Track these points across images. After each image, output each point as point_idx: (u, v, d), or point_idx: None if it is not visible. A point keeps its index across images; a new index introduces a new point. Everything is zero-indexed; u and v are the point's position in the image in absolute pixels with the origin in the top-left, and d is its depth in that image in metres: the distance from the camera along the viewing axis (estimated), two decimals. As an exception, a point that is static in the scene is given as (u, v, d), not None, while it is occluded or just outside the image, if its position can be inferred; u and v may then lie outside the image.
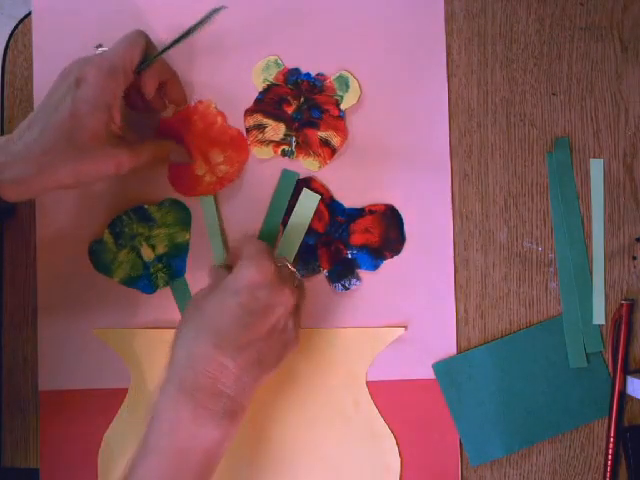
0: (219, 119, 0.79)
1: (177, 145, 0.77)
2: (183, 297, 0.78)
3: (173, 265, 0.78)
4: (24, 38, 0.80)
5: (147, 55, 0.71)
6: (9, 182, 0.64)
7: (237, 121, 0.79)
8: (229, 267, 0.70)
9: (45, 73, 0.79)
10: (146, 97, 0.73)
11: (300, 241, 0.78)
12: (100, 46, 0.71)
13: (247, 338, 0.65)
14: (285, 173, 0.79)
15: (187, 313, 0.68)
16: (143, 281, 0.77)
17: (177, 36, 0.72)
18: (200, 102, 0.79)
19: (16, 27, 0.81)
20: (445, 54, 0.80)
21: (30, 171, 0.65)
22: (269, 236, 0.78)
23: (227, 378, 0.63)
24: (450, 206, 0.79)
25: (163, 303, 0.78)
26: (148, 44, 0.71)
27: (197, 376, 0.63)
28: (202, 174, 0.78)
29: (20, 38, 0.80)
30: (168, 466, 0.62)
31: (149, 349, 0.77)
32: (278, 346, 0.67)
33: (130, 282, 0.77)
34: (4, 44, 0.80)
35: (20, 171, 0.64)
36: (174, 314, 0.78)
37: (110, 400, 0.77)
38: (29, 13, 0.80)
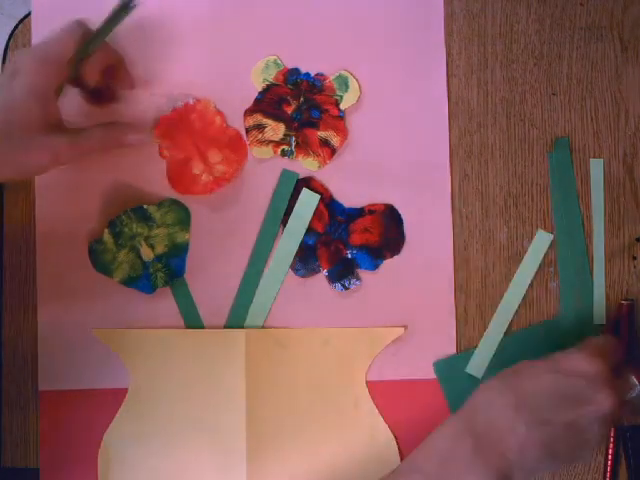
0: (218, 119, 0.79)
1: (131, 125, 0.76)
2: (183, 297, 0.78)
3: (173, 265, 0.78)
4: (24, 38, 0.80)
5: (86, 44, 0.71)
6: None
7: (236, 121, 0.79)
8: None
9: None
10: (87, 85, 0.73)
11: (300, 241, 0.78)
12: None
13: (548, 417, 0.63)
14: (285, 173, 0.79)
15: (509, 370, 0.68)
16: (143, 281, 0.77)
17: (103, 24, 0.72)
18: (198, 101, 0.79)
19: (16, 27, 0.81)
20: (445, 54, 0.80)
21: None
22: (269, 236, 0.78)
23: (514, 442, 0.62)
24: (450, 206, 0.79)
25: (163, 303, 0.78)
26: (86, 33, 0.71)
27: (488, 425, 0.63)
28: (199, 173, 0.78)
29: (20, 38, 0.80)
30: None
31: (149, 349, 0.77)
32: (572, 442, 0.64)
33: (130, 282, 0.77)
34: (4, 44, 0.80)
35: None
36: (174, 314, 0.78)
37: (110, 400, 0.77)
38: (29, 13, 0.80)
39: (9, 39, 0.80)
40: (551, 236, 0.79)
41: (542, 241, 0.79)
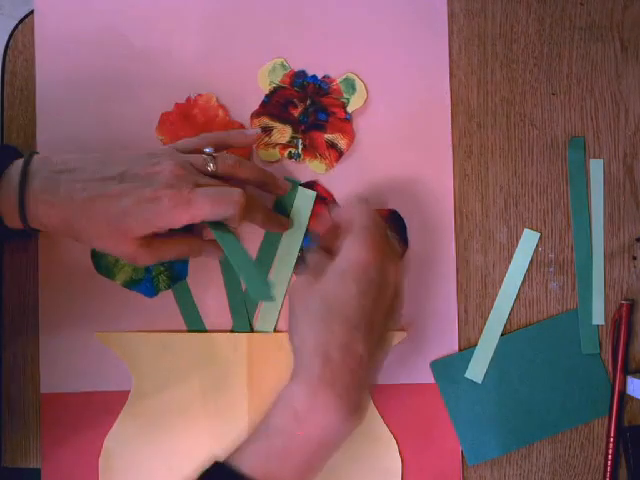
0: (220, 112, 0.79)
1: (206, 242, 0.74)
2: (185, 300, 0.78)
3: (175, 268, 0.78)
4: (24, 38, 0.80)
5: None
6: (46, 204, 0.65)
7: (243, 123, 0.79)
8: (327, 249, 0.68)
9: (47, 72, 0.79)
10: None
11: (301, 239, 0.78)
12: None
13: (372, 326, 0.62)
14: (286, 180, 0.78)
15: (299, 303, 0.65)
16: (145, 284, 0.77)
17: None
18: (200, 95, 0.79)
19: (16, 27, 0.80)
20: (447, 55, 0.80)
21: (63, 213, 0.65)
22: (273, 241, 0.78)
23: (363, 369, 0.61)
24: (453, 210, 0.79)
25: (165, 306, 0.78)
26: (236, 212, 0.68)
27: (337, 368, 0.60)
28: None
29: (20, 38, 0.80)
30: (290, 450, 0.60)
31: (151, 352, 0.77)
32: (391, 327, 0.65)
33: (132, 285, 0.77)
34: (4, 44, 0.80)
35: (56, 202, 0.65)
36: (176, 317, 0.78)
37: (112, 403, 0.77)
38: (29, 13, 0.80)
39: (9, 39, 0.80)
40: (538, 234, 0.79)
41: (530, 240, 0.79)
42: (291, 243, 0.78)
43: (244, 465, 0.59)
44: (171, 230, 0.67)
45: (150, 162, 0.67)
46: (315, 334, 0.62)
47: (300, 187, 0.78)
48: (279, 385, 0.62)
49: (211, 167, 0.69)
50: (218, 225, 0.69)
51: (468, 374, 0.78)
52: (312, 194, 0.78)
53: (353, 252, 0.64)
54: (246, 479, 0.58)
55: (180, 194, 0.65)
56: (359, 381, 0.61)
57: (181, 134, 0.78)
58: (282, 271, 0.78)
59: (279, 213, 0.78)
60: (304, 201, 0.78)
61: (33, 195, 0.65)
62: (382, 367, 0.65)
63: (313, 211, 0.78)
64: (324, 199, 0.78)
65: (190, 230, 0.72)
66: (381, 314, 0.64)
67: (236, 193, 0.67)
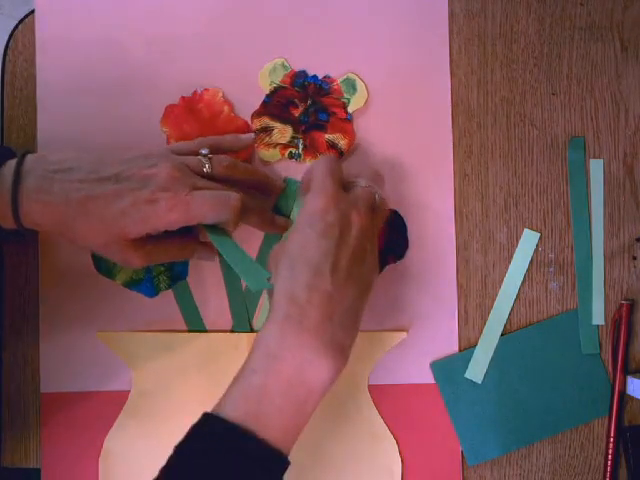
0: (226, 108, 0.79)
1: (200, 244, 0.74)
2: (185, 300, 0.78)
3: (175, 268, 0.78)
4: (24, 38, 0.80)
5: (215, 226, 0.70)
6: (40, 203, 0.65)
7: (247, 121, 0.80)
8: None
9: (47, 72, 0.79)
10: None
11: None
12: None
13: (337, 263, 0.63)
14: (287, 180, 0.78)
15: (273, 263, 0.66)
16: (145, 284, 0.77)
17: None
18: (207, 90, 0.79)
19: (16, 27, 0.80)
20: (448, 55, 0.80)
21: (57, 212, 0.65)
22: (272, 241, 0.78)
23: (332, 305, 0.62)
24: (453, 210, 0.79)
25: (165, 306, 0.78)
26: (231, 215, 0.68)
27: (303, 306, 0.61)
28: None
29: (20, 38, 0.80)
30: (268, 390, 0.60)
31: (151, 352, 0.77)
32: (365, 270, 0.65)
33: (132, 285, 0.77)
34: (4, 44, 0.80)
35: (50, 201, 0.65)
36: (176, 317, 0.78)
37: (112, 403, 0.77)
38: (29, 13, 0.80)
39: (9, 39, 0.80)
40: (538, 234, 0.79)
41: (530, 240, 0.79)
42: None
43: (227, 409, 0.60)
44: (165, 232, 0.67)
45: (146, 164, 0.67)
46: (282, 281, 0.63)
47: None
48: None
49: (207, 168, 0.69)
50: (213, 226, 0.69)
51: (468, 374, 0.78)
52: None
53: (309, 203, 0.66)
54: (229, 422, 0.59)
55: (177, 197, 0.65)
56: (329, 317, 0.62)
57: (185, 127, 0.78)
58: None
59: (279, 214, 0.78)
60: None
61: (27, 194, 0.65)
62: (363, 308, 0.65)
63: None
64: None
65: (184, 231, 0.72)
66: (347, 254, 0.64)
67: (233, 197, 0.67)
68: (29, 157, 0.67)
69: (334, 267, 0.63)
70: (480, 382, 0.78)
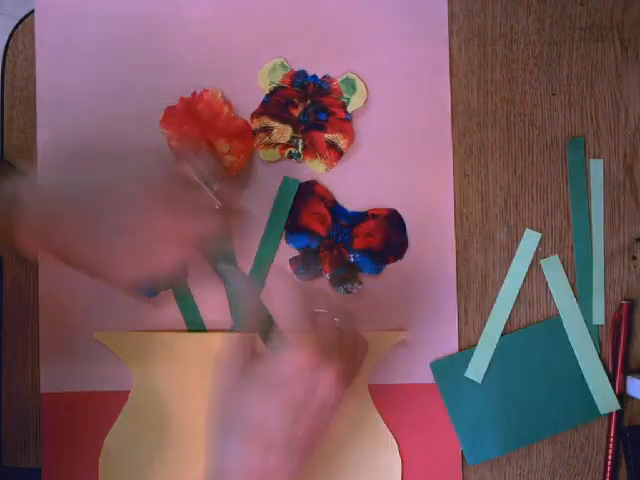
0: (225, 108, 0.79)
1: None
2: (185, 300, 0.78)
3: (175, 268, 0.78)
4: (24, 38, 0.80)
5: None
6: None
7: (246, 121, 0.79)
8: (262, 331, 0.65)
9: (47, 72, 0.79)
10: None
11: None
12: None
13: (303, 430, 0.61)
14: (286, 180, 0.79)
15: (218, 401, 0.64)
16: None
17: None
18: (206, 90, 0.79)
19: (16, 27, 0.80)
20: (448, 55, 0.80)
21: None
22: (272, 241, 0.78)
23: None
24: (452, 210, 0.79)
25: (165, 307, 0.78)
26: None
27: None
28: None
29: (20, 38, 0.80)
30: None
31: (151, 352, 0.77)
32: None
33: (132, 285, 0.78)
34: (4, 44, 0.80)
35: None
36: (176, 318, 0.78)
37: (112, 403, 0.77)
38: (29, 13, 0.80)
39: (9, 39, 0.80)
40: (539, 235, 0.79)
41: (530, 240, 0.79)
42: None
43: None
44: None
45: None
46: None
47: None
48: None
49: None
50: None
51: (468, 374, 0.78)
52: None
53: (280, 363, 0.61)
54: None
55: None
56: None
57: (185, 128, 0.78)
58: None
59: (282, 219, 0.78)
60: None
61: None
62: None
63: (309, 205, 0.78)
64: (324, 199, 0.78)
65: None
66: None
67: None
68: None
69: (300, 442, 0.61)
70: (480, 382, 0.78)
